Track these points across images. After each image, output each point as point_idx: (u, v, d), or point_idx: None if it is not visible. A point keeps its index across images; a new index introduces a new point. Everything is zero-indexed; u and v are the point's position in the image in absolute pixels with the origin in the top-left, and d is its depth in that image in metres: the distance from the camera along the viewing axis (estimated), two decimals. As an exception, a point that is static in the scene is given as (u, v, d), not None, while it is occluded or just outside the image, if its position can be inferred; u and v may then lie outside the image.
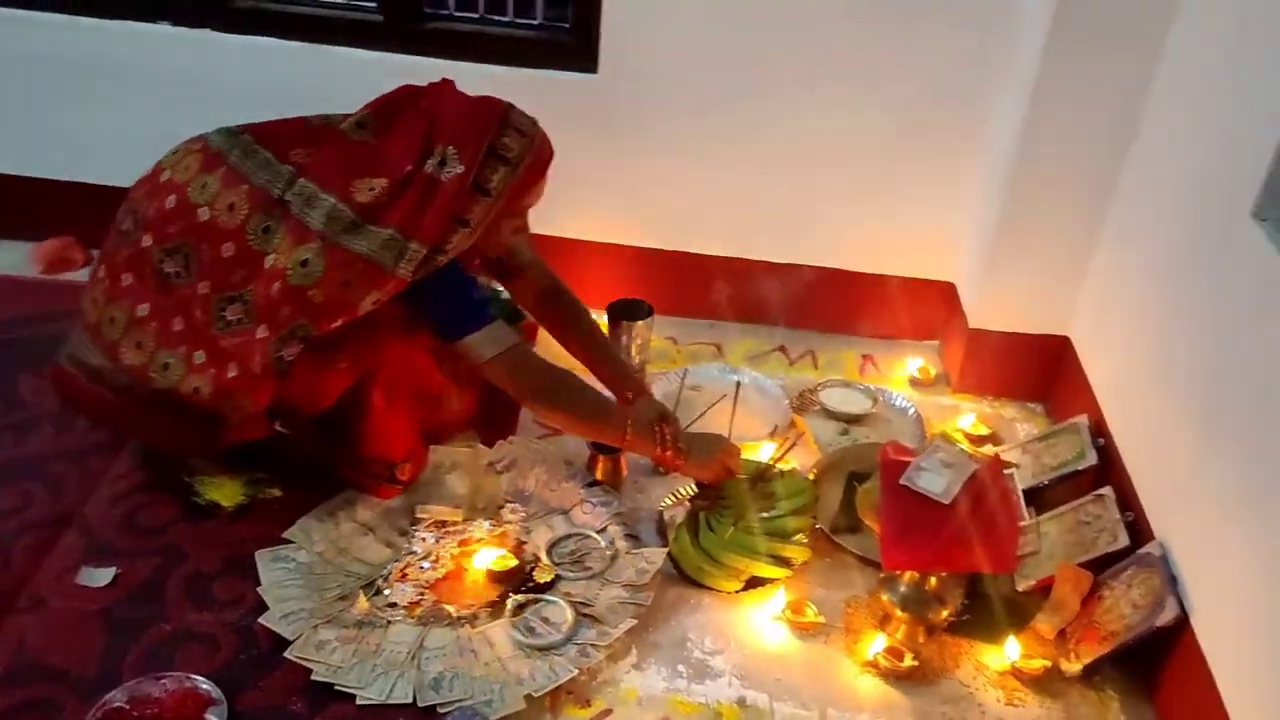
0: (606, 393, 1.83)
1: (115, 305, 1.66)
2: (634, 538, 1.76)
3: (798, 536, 1.70)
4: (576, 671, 1.51)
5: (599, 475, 1.87)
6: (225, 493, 1.81)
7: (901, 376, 2.25)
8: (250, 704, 1.45)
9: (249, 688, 1.48)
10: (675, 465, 1.74)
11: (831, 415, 2.07)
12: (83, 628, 1.54)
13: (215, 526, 1.74)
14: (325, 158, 1.64)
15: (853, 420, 2.06)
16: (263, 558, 1.66)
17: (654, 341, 2.17)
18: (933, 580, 1.54)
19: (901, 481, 1.45)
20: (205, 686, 1.46)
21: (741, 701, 1.51)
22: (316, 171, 1.62)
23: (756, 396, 2.10)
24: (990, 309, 2.12)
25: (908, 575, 1.54)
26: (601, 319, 2.13)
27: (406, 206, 1.58)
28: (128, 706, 1.43)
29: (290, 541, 1.70)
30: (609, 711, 1.49)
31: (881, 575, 1.60)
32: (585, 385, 1.77)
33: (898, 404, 2.12)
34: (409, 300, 1.63)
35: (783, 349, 2.32)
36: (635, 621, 1.59)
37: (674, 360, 2.25)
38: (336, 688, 1.47)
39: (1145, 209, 1.83)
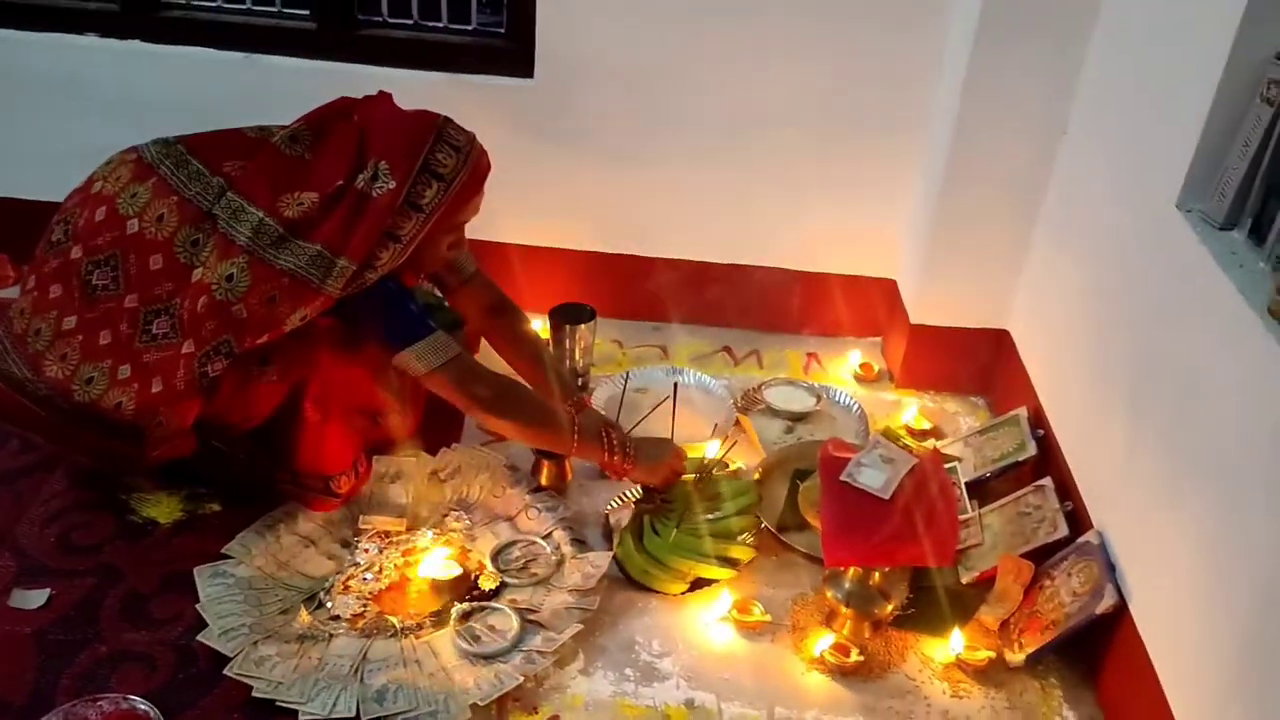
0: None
1: (41, 317, 1.63)
2: (580, 542, 1.75)
3: (743, 536, 1.70)
4: (522, 679, 1.49)
5: (544, 480, 1.86)
6: (162, 509, 1.78)
7: (844, 373, 2.26)
8: (187, 725, 1.43)
9: (188, 706, 1.45)
10: (624, 471, 1.74)
11: (776, 413, 2.08)
12: (14, 651, 1.50)
13: (152, 544, 1.71)
14: (254, 171, 1.62)
15: (797, 418, 2.07)
16: (201, 574, 1.63)
17: (598, 345, 2.17)
18: (876, 575, 1.55)
19: (842, 478, 1.46)
20: (143, 707, 1.43)
21: (690, 703, 1.51)
22: (245, 185, 1.61)
23: (700, 397, 2.10)
24: (930, 305, 2.14)
25: (852, 571, 1.55)
26: (545, 324, 2.12)
27: (336, 223, 1.57)
28: (60, 734, 1.40)
29: (230, 557, 1.67)
30: (556, 718, 1.48)
31: (825, 572, 1.60)
32: (531, 393, 1.77)
33: (841, 401, 2.13)
34: (343, 316, 1.61)
35: (728, 349, 2.32)
36: (581, 626, 1.58)
37: (619, 364, 2.25)
38: (279, 704, 1.44)
39: (1077, 202, 1.86)
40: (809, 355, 2.32)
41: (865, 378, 2.24)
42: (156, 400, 1.57)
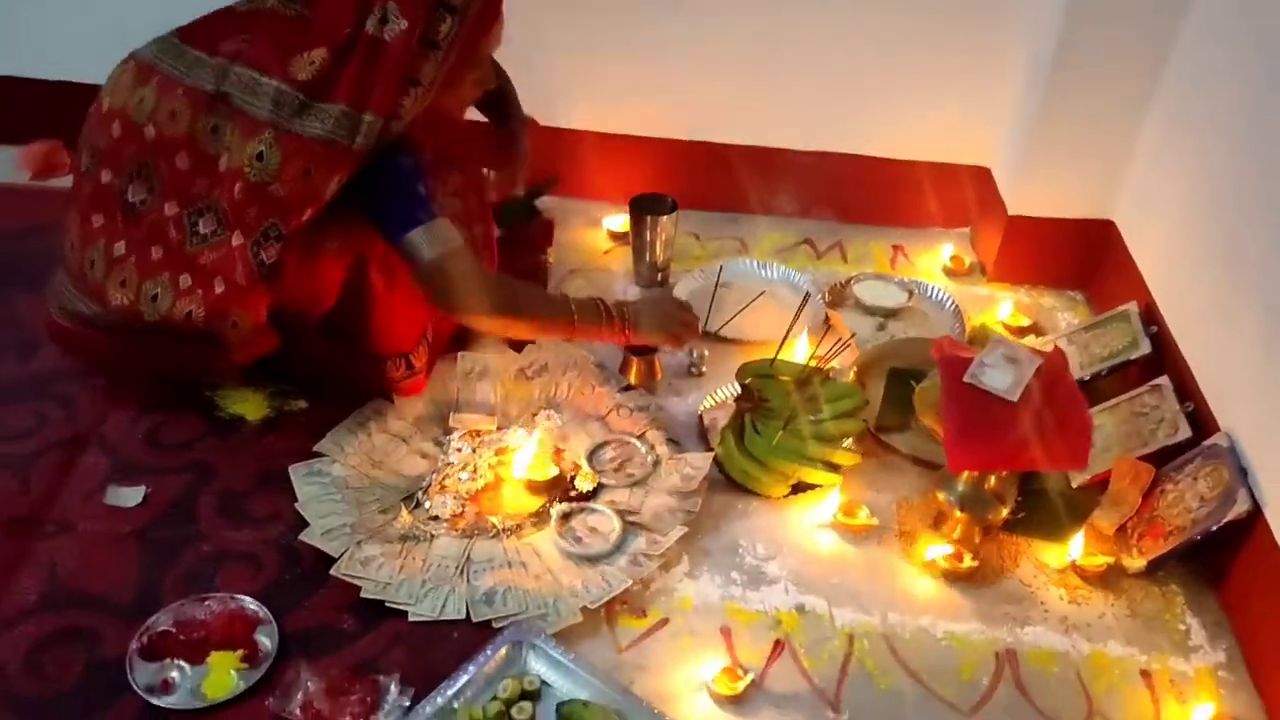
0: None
1: (92, 247, 1.57)
2: (674, 443, 1.71)
3: (847, 442, 1.65)
4: (631, 582, 1.47)
5: (633, 379, 1.81)
6: (249, 406, 1.74)
7: (933, 267, 2.18)
8: (299, 623, 1.41)
9: (296, 607, 1.43)
10: (627, 337, 1.71)
11: (867, 310, 2.01)
12: (117, 551, 1.49)
13: (242, 441, 1.68)
14: (259, 40, 1.52)
15: (888, 314, 2.00)
16: (297, 472, 1.60)
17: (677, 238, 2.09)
18: (992, 479, 1.50)
19: (966, 379, 1.40)
20: (252, 606, 1.41)
21: (800, 608, 1.48)
22: (253, 56, 1.51)
23: (788, 293, 2.03)
24: (1029, 194, 2.04)
25: (966, 474, 1.50)
26: (625, 215, 2.05)
27: (352, 75, 1.47)
28: (174, 630, 1.38)
29: (322, 455, 1.64)
30: (665, 621, 1.46)
31: (939, 475, 1.56)
32: (525, 283, 1.76)
33: (934, 296, 2.06)
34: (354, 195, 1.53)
35: (809, 242, 2.24)
36: (686, 529, 1.55)
37: (697, 258, 2.17)
38: (387, 604, 1.43)
39: (1203, 80, 1.74)
40: (894, 248, 2.23)
41: (956, 271, 2.15)
42: (224, 301, 1.52)
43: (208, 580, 1.46)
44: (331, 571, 1.45)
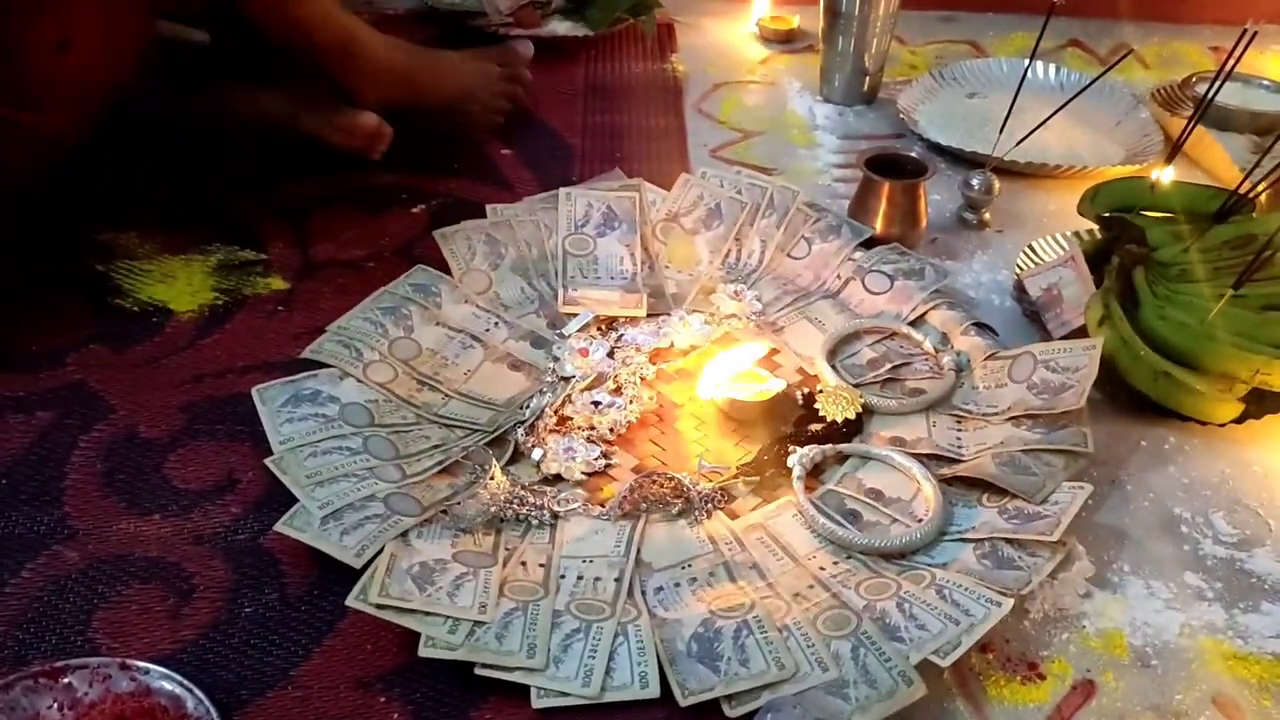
0: None
1: None
2: (985, 329, 0.91)
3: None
4: (1006, 605, 0.67)
5: (880, 225, 1.00)
6: (178, 288, 0.94)
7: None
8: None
9: (273, 683, 0.63)
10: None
11: (1228, 120, 1.20)
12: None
13: (159, 348, 0.87)
14: None
15: (1265, 129, 1.20)
16: (267, 396, 0.79)
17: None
18: None
19: None
20: (170, 688, 0.61)
21: (1369, 647, 0.69)
22: None
23: (1085, 101, 1.21)
24: None
25: None
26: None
27: None
28: (-25, 754, 0.59)
29: (319, 364, 0.83)
30: (1088, 688, 0.66)
31: None
32: None
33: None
34: None
35: (1078, 44, 1.44)
36: (1085, 490, 0.74)
37: (914, 66, 1.37)
38: (479, 670, 0.62)
39: None
40: (1212, 50, 1.43)
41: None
42: None
43: (71, 626, 0.66)
44: (350, 600, 0.64)
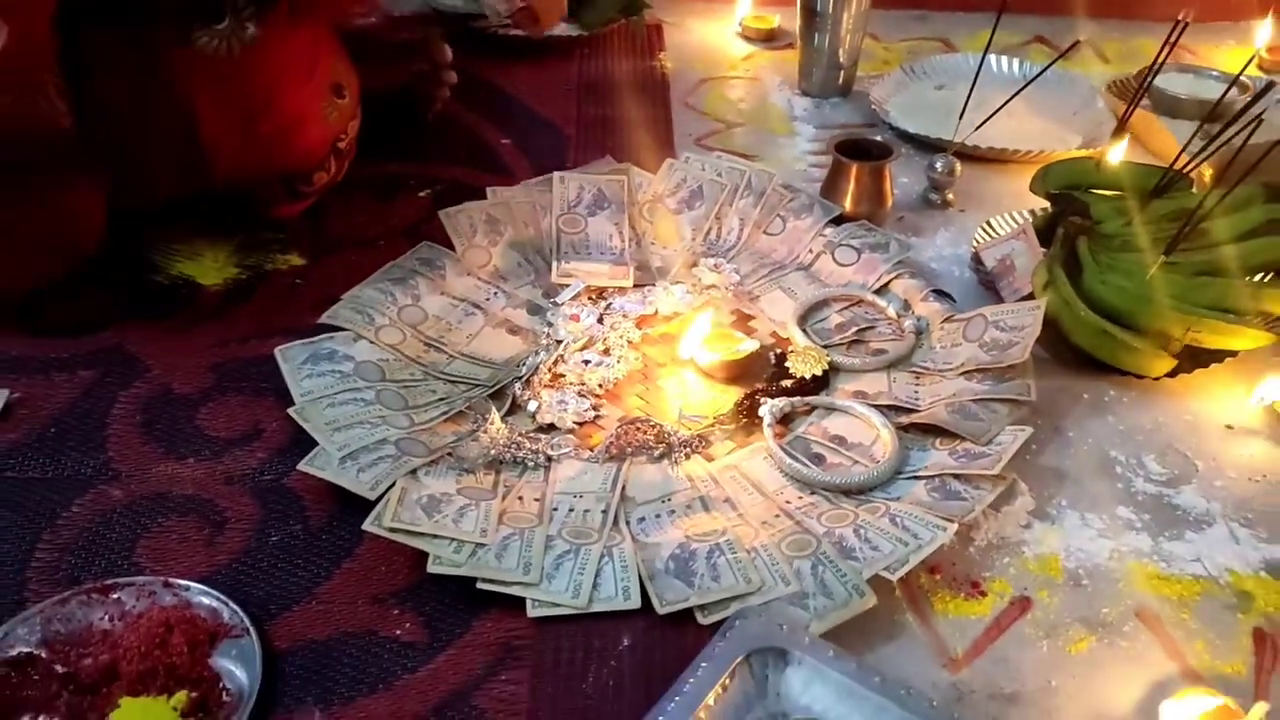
0: None
1: None
2: (944, 295, 0.99)
3: (1269, 278, 0.94)
4: (949, 529, 0.75)
5: (849, 204, 1.09)
6: (205, 264, 1.02)
7: (1237, 64, 1.46)
8: (304, 631, 0.69)
9: (298, 599, 0.71)
10: None
11: (1177, 107, 1.29)
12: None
13: (191, 318, 0.96)
14: None
15: (1210, 116, 1.28)
16: (290, 355, 0.88)
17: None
18: None
19: None
20: (207, 601, 0.69)
21: (1275, 567, 0.77)
22: None
23: (1046, 92, 1.29)
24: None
25: None
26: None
27: None
28: (43, 655, 0.66)
29: (335, 329, 0.91)
30: (1024, 602, 0.74)
31: None
32: None
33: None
34: None
35: (1042, 40, 1.53)
36: (1028, 432, 0.83)
37: (887, 62, 1.46)
38: (481, 584, 0.71)
39: None
40: (1168, 46, 1.52)
41: (1274, 64, 1.44)
42: None
43: (118, 552, 0.74)
44: (366, 525, 0.72)
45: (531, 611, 0.70)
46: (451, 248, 1.01)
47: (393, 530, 0.72)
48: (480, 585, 0.70)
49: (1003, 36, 1.49)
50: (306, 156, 1.00)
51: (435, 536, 0.72)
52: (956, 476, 0.79)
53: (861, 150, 1.09)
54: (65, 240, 0.92)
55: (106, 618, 0.69)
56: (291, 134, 0.96)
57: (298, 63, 0.94)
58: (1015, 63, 1.37)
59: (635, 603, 0.70)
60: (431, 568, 0.71)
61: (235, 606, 0.69)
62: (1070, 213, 0.98)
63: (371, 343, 0.90)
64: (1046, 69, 1.15)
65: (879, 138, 1.13)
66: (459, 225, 1.03)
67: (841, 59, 1.33)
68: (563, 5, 1.41)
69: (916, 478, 0.81)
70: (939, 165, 1.13)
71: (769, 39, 1.47)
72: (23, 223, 0.87)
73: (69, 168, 0.88)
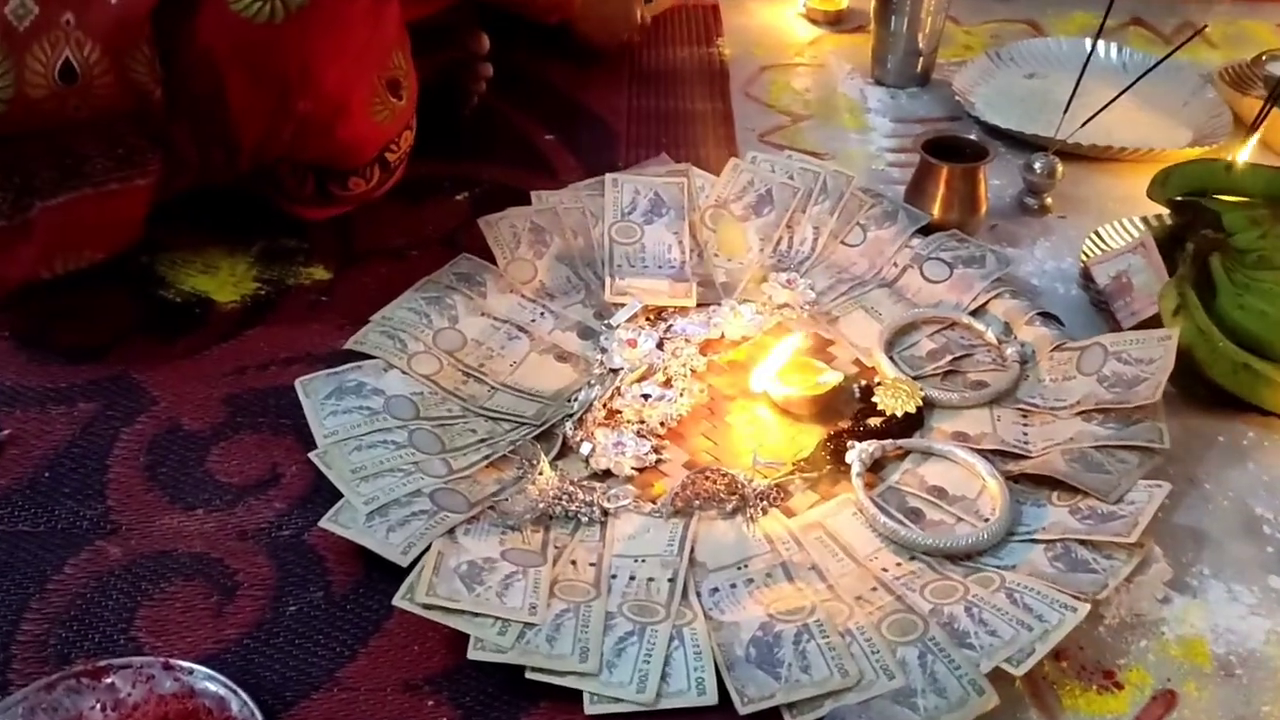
0: None
1: None
2: (1052, 319, 0.87)
3: None
4: (1082, 609, 0.63)
5: (937, 210, 0.97)
6: (220, 280, 0.92)
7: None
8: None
9: (317, 686, 0.61)
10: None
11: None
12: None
13: (202, 340, 0.86)
14: None
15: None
16: (311, 388, 0.78)
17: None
18: None
19: None
20: (214, 689, 0.60)
21: None
22: None
23: (1149, 81, 1.16)
24: None
25: None
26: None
27: None
28: (16, 756, 0.57)
29: (364, 356, 0.81)
30: (1170, 696, 0.63)
31: None
32: None
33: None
34: None
35: (1140, 23, 1.39)
36: (1163, 489, 0.71)
37: (968, 47, 1.33)
38: (530, 674, 0.60)
39: None
40: (1280, 28, 1.38)
41: None
42: None
43: (114, 625, 0.64)
44: (397, 600, 0.62)
45: (590, 708, 0.59)
46: (491, 259, 0.91)
47: (427, 608, 0.62)
48: (530, 675, 0.60)
49: (1094, 19, 1.37)
50: (346, 153, 0.88)
51: (477, 615, 0.62)
52: (1083, 542, 0.68)
53: (952, 150, 0.97)
54: (115, 223, 0.83)
55: (98, 707, 0.60)
56: (331, 120, 0.84)
57: (345, 37, 0.82)
58: (1115, 48, 1.24)
59: (712, 698, 0.60)
60: (473, 654, 0.60)
61: (245, 696, 0.59)
62: (1200, 224, 0.85)
63: (404, 373, 0.79)
64: (1166, 58, 1.01)
65: (970, 134, 1.01)
66: (501, 235, 0.92)
67: (921, 44, 1.21)
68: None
69: (1034, 541, 0.69)
70: (1038, 166, 1.01)
71: (836, 21, 1.35)
72: (81, 204, 0.79)
73: (154, 146, 0.80)
